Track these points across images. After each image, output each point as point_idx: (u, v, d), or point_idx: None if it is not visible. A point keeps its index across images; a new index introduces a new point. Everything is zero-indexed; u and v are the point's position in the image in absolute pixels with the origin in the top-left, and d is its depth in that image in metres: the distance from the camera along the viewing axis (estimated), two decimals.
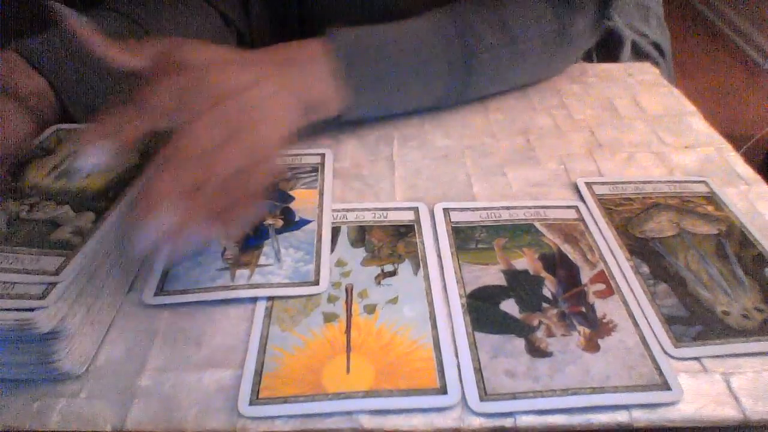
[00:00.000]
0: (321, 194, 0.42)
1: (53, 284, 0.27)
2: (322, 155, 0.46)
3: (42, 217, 0.32)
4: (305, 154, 0.46)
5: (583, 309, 0.33)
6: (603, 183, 0.43)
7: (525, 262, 0.36)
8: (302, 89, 0.43)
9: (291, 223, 0.39)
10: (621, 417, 0.28)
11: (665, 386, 0.29)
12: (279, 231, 0.38)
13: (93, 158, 0.29)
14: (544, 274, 0.36)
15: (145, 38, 0.38)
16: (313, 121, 0.45)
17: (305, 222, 0.39)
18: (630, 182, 0.43)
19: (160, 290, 0.34)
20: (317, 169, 0.45)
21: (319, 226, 0.39)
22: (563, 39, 0.53)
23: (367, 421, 0.28)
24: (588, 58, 0.68)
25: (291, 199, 0.41)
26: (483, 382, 0.29)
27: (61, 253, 0.29)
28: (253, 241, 0.38)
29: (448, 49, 0.49)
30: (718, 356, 0.31)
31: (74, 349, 0.29)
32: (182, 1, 0.58)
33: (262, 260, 0.36)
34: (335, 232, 0.39)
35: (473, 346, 0.31)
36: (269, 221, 0.39)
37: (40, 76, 0.44)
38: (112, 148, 0.30)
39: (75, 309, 0.29)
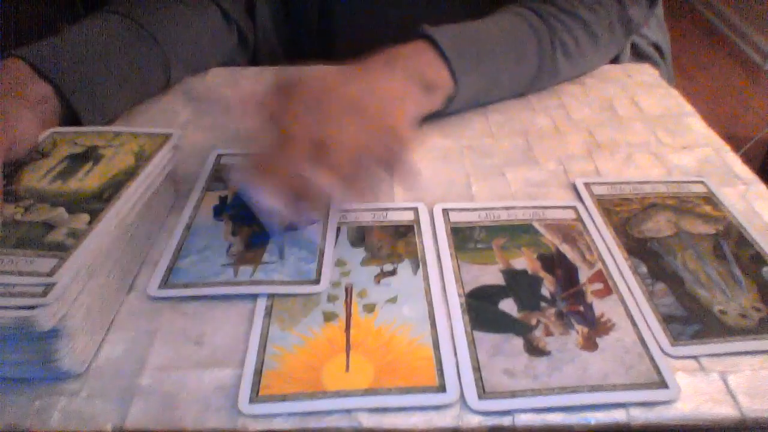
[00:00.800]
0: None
1: (53, 283, 0.28)
2: None
3: (36, 219, 0.32)
4: None
5: (582, 308, 0.33)
6: (601, 183, 0.44)
7: (523, 261, 0.37)
8: (416, 70, 0.45)
9: None
10: (619, 415, 0.28)
11: (663, 384, 0.29)
12: (285, 229, 0.38)
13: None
14: (542, 273, 0.36)
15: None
16: (435, 105, 0.48)
17: (311, 221, 0.39)
18: (628, 182, 0.44)
19: (165, 283, 0.35)
20: None
21: (324, 225, 0.39)
22: (623, 23, 0.56)
23: (366, 419, 0.28)
24: None
25: None
26: (482, 380, 0.29)
27: (55, 255, 0.29)
28: (258, 238, 0.38)
29: (534, 31, 0.51)
30: (715, 355, 0.31)
31: (74, 348, 0.29)
32: (182, 1, 0.58)
33: (265, 257, 0.36)
34: (335, 231, 0.39)
35: (472, 345, 0.31)
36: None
37: (45, 82, 0.44)
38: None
39: (75, 308, 0.29)
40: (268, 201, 0.33)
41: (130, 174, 0.36)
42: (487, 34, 0.50)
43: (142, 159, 0.38)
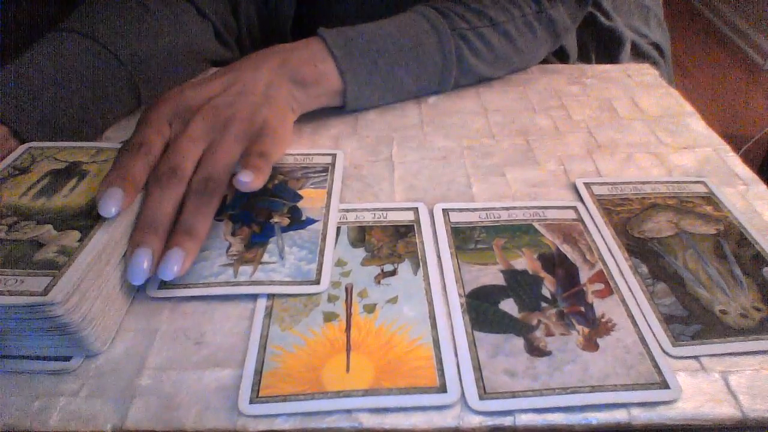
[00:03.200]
0: (329, 195, 0.42)
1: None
2: (334, 156, 0.46)
3: (23, 237, 0.31)
4: (316, 154, 0.47)
5: (582, 308, 0.33)
6: (602, 183, 0.44)
7: (524, 262, 0.37)
8: (289, 66, 0.46)
9: (297, 221, 0.39)
10: (620, 415, 0.28)
11: (664, 385, 0.29)
12: (285, 229, 0.38)
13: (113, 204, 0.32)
14: (543, 273, 0.36)
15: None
16: (319, 100, 0.49)
17: (311, 221, 0.39)
18: (629, 182, 0.44)
19: (165, 283, 0.35)
20: (327, 170, 0.45)
21: (325, 225, 0.39)
22: (543, 23, 0.55)
23: (366, 420, 0.28)
24: (586, 58, 0.69)
25: (299, 198, 0.41)
26: (482, 380, 0.29)
27: (47, 273, 0.28)
28: (258, 238, 0.38)
29: (435, 28, 0.51)
30: (716, 355, 0.31)
31: (96, 328, 0.30)
32: (149, 9, 0.54)
33: (265, 257, 0.36)
34: (336, 232, 0.39)
35: (472, 345, 0.31)
36: (276, 219, 0.39)
37: (1, 124, 0.42)
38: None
39: (91, 292, 0.30)
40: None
41: None
42: (381, 32, 0.50)
43: None
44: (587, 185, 0.43)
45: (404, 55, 0.50)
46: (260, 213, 0.40)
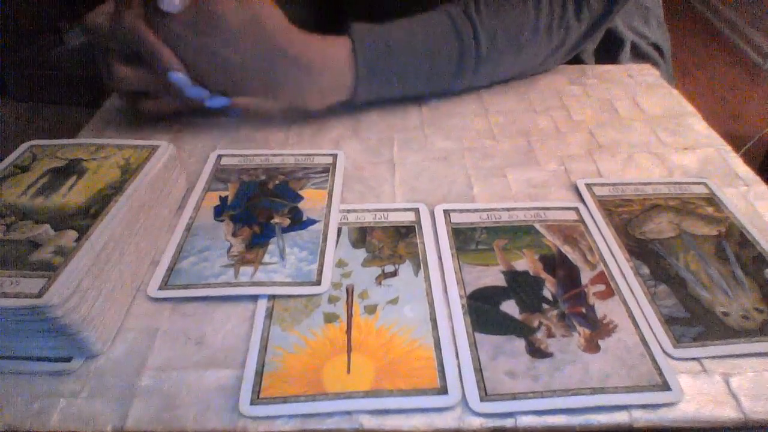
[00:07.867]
0: (330, 195, 0.42)
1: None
2: (335, 156, 0.46)
3: (20, 237, 0.30)
4: (317, 155, 0.47)
5: (583, 310, 0.33)
6: (603, 184, 0.43)
7: (525, 263, 0.37)
8: (312, 67, 0.47)
9: (298, 222, 0.39)
10: (621, 417, 0.28)
11: (665, 386, 0.29)
12: (285, 230, 0.38)
13: None
14: (544, 275, 0.36)
15: None
16: (325, 91, 0.49)
17: (312, 222, 0.39)
18: (630, 183, 0.44)
19: (165, 284, 0.34)
20: (328, 170, 0.45)
21: (325, 226, 0.39)
22: (562, 34, 0.54)
23: (367, 421, 0.28)
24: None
25: (300, 198, 0.41)
26: (483, 382, 0.29)
27: (43, 275, 0.28)
28: (259, 239, 0.38)
29: (459, 40, 0.50)
30: (717, 357, 0.31)
31: (97, 328, 0.30)
32: None
33: (266, 258, 0.36)
34: (336, 232, 0.39)
35: (473, 346, 0.31)
36: (276, 220, 0.39)
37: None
38: None
39: (90, 293, 0.29)
40: None
41: (116, 188, 0.35)
42: (408, 49, 0.49)
43: (128, 172, 0.36)
44: (588, 186, 0.43)
45: (421, 67, 0.50)
46: (261, 214, 0.40)
